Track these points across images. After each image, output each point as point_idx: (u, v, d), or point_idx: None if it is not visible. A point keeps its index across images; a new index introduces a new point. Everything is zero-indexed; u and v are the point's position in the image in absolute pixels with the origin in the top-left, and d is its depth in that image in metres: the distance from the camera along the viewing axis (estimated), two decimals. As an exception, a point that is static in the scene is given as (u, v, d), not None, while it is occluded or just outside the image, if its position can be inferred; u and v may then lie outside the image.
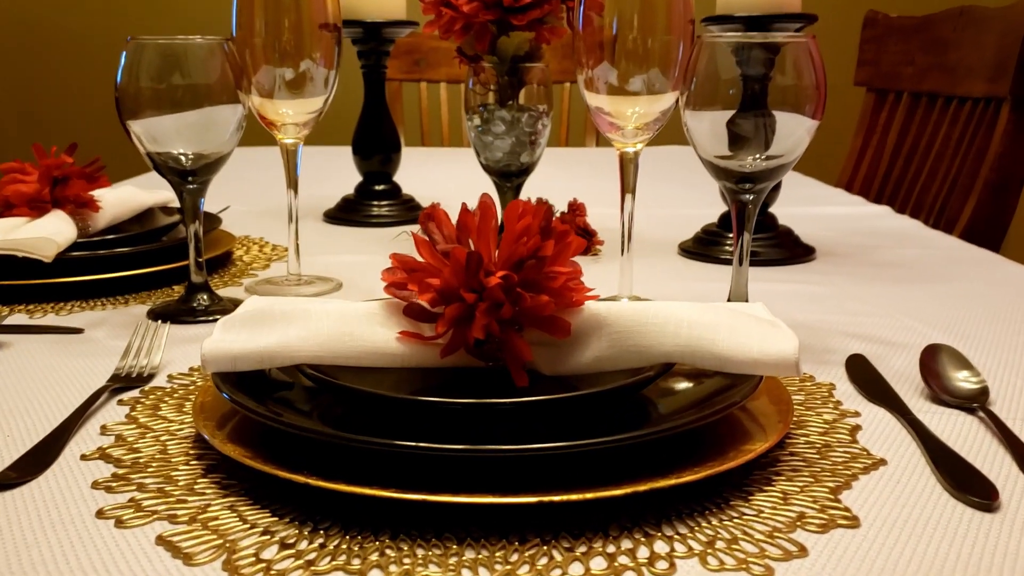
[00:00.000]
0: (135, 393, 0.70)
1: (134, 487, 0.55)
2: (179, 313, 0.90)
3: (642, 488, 0.50)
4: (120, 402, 0.68)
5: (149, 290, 0.99)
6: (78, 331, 0.85)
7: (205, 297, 0.92)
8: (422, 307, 0.62)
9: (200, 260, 0.91)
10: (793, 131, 0.79)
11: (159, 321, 0.85)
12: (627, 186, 0.93)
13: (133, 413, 0.66)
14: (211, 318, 0.89)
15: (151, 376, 0.73)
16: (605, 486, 0.50)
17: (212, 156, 0.88)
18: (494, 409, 0.56)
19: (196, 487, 0.55)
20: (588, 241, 1.19)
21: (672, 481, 0.51)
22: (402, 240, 1.26)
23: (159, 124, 0.86)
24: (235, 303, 0.91)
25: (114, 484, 0.55)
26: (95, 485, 0.56)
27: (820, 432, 0.63)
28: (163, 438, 0.62)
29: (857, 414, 0.67)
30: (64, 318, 0.90)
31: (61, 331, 0.85)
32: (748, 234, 0.83)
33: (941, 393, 0.69)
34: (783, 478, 0.56)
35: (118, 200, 1.11)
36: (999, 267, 1.11)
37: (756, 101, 0.80)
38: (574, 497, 0.49)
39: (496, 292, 0.60)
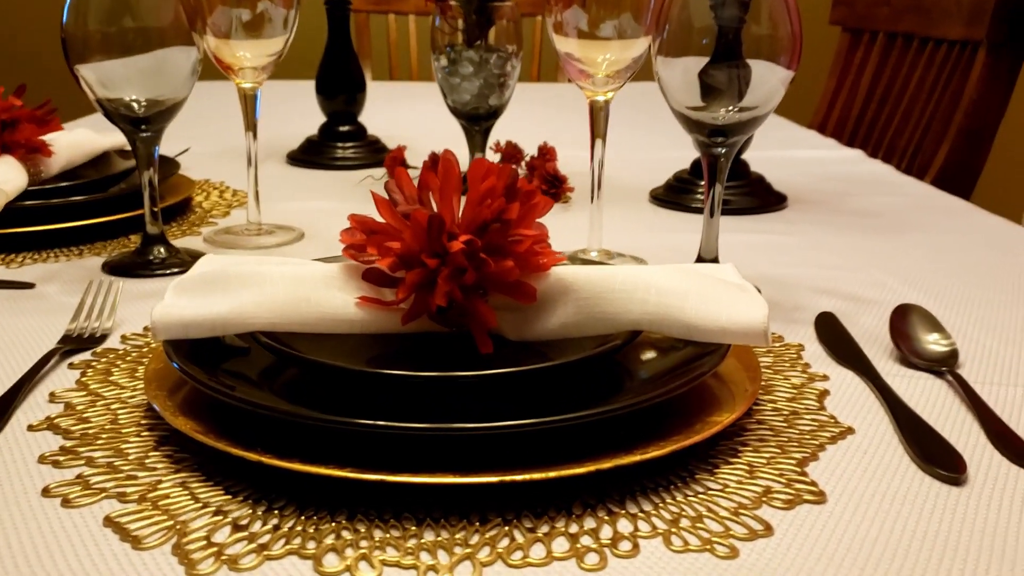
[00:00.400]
0: (87, 356, 0.68)
1: (82, 462, 0.53)
2: (135, 266, 0.87)
3: (606, 466, 0.49)
4: (71, 366, 0.66)
5: (105, 240, 0.96)
6: (29, 286, 0.83)
7: (162, 250, 0.89)
8: (382, 272, 0.60)
9: (156, 210, 0.88)
10: (767, 81, 0.76)
11: (113, 277, 0.82)
12: (597, 133, 0.91)
13: (84, 379, 0.64)
14: (168, 271, 0.86)
15: (104, 337, 0.71)
16: (568, 463, 0.49)
17: (166, 102, 0.84)
18: (456, 382, 0.54)
19: (147, 462, 0.53)
20: (557, 189, 1.17)
21: (637, 458, 0.50)
22: (366, 185, 1.23)
23: (109, 69, 0.83)
24: (193, 256, 0.88)
25: (62, 458, 0.53)
26: (42, 459, 0.54)
27: (788, 398, 0.62)
28: (114, 406, 0.60)
29: (825, 378, 0.66)
30: (15, 271, 0.87)
31: (11, 286, 0.82)
32: (720, 186, 0.81)
33: (910, 356, 0.68)
34: (749, 448, 0.55)
35: (72, 144, 1.07)
36: (970, 216, 1.10)
37: (730, 50, 0.77)
38: (536, 476, 0.48)
39: (459, 258, 0.58)
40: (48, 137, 1.04)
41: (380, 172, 1.27)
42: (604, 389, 0.57)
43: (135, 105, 0.83)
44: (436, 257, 0.59)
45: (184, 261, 0.88)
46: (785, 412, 0.60)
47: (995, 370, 0.67)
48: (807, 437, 0.57)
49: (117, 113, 0.84)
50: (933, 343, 0.69)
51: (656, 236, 1.02)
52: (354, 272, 0.62)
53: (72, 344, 0.69)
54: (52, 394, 0.61)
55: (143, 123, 0.84)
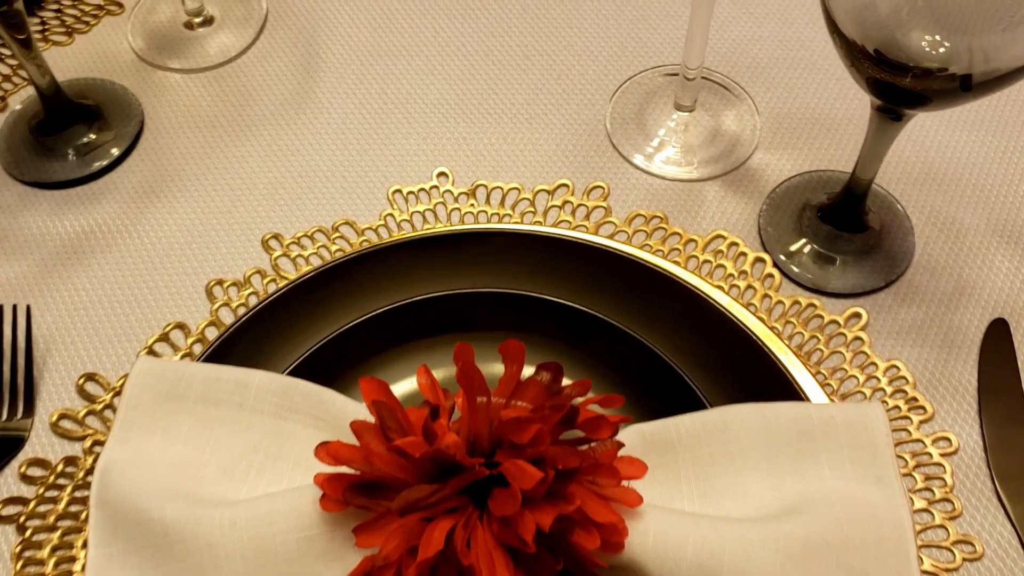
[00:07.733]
0: (12, 493, 0.52)
1: None
2: (41, 169, 0.63)
3: None
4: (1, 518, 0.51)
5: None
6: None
7: (85, 134, 0.63)
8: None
9: (24, 37, 0.59)
10: None
11: (16, 306, 0.57)
12: None
13: (16, 581, 0.49)
14: (91, 170, 0.62)
15: (24, 439, 0.53)
16: None
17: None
18: None
19: None
20: None
21: None
22: None
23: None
24: (115, 104, 0.66)
25: None
26: None
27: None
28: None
29: None
30: None
31: None
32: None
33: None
34: None
35: None
36: None
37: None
38: None
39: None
40: None
41: None
42: None
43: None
44: (454, 581, 0.40)
45: (109, 145, 0.63)
46: None
47: None
48: None
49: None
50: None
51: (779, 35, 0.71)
52: (338, 522, 0.43)
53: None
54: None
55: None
